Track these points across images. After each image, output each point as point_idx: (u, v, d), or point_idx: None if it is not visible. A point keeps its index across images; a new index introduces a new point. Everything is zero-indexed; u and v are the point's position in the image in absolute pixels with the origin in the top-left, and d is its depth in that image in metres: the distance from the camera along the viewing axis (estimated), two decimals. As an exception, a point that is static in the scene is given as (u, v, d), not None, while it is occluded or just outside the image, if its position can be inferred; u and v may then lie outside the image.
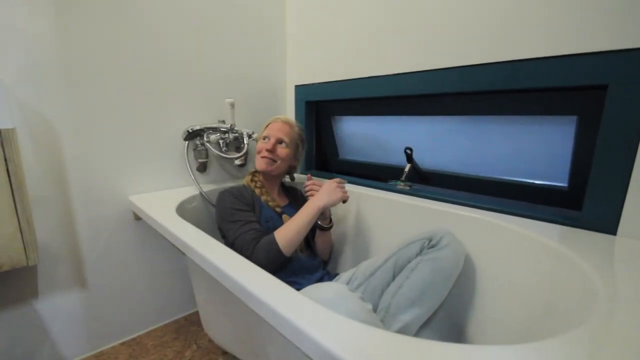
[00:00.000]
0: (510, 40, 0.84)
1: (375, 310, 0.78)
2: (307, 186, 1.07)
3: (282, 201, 1.09)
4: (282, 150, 1.02)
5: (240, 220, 0.89)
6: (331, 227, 1.07)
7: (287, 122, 1.06)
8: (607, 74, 0.71)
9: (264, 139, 1.04)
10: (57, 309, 1.01)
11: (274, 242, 0.81)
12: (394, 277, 0.82)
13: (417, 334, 0.77)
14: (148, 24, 1.07)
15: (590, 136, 0.79)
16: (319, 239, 1.09)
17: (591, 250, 0.67)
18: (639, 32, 0.67)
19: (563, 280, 0.65)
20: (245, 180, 1.08)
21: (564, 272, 0.65)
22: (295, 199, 1.15)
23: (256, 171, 1.08)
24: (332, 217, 1.07)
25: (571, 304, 0.58)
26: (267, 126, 1.07)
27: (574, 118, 0.84)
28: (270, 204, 1.01)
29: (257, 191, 1.02)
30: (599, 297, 0.51)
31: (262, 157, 1.02)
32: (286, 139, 1.03)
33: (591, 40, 0.72)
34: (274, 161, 1.01)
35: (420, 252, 0.82)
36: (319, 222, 1.07)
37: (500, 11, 0.85)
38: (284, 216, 1.00)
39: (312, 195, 1.07)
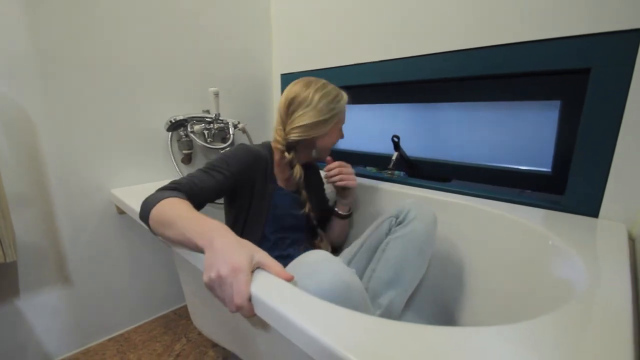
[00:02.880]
0: (494, 25, 0.83)
1: None
2: (331, 170, 0.88)
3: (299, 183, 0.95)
4: None
5: (209, 170, 0.73)
6: (350, 215, 0.99)
7: None
8: (590, 57, 0.71)
9: (339, 128, 0.89)
10: (40, 306, 0.98)
11: (148, 205, 0.61)
12: (369, 262, 0.80)
13: (402, 317, 0.77)
14: (128, 12, 1.03)
15: (573, 121, 0.80)
16: (336, 226, 0.99)
17: (574, 232, 0.68)
18: (620, 14, 0.67)
19: (546, 262, 0.66)
20: (295, 175, 0.83)
21: (547, 254, 0.66)
22: (308, 177, 0.93)
23: (294, 145, 0.83)
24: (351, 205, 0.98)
25: (554, 285, 0.59)
26: (338, 107, 0.84)
27: (558, 103, 0.84)
28: (287, 188, 0.86)
29: (278, 169, 0.85)
30: (581, 278, 0.52)
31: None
32: None
33: (574, 23, 0.73)
34: None
35: (389, 231, 0.79)
36: (337, 210, 0.98)
37: (486, -5, 0.84)
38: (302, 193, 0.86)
39: (341, 182, 0.88)
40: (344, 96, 0.86)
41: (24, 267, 0.94)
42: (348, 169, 0.90)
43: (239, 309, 0.46)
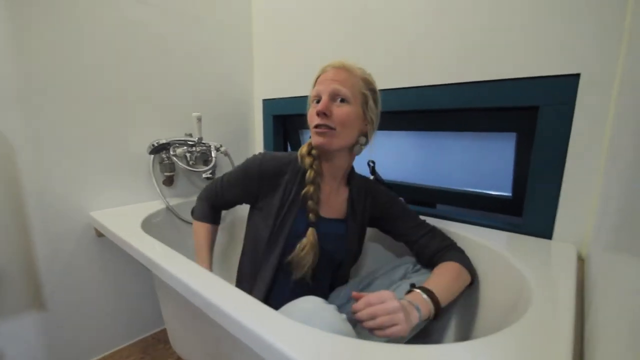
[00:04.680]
0: (459, 66, 0.92)
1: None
2: (357, 310, 0.56)
3: (337, 207, 0.80)
4: (341, 110, 0.69)
5: (224, 186, 0.84)
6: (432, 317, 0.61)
7: (341, 67, 0.71)
8: (537, 96, 0.80)
9: (315, 101, 0.73)
10: (13, 334, 0.95)
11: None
12: None
13: None
14: (110, 38, 1.06)
15: (527, 150, 0.88)
16: None
17: (530, 254, 0.74)
18: (562, 60, 0.77)
19: (506, 284, 0.71)
20: (302, 151, 0.76)
21: (506, 276, 0.71)
22: (362, 205, 0.82)
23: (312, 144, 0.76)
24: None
25: (511, 306, 0.65)
26: (316, 81, 0.74)
27: (514, 134, 0.93)
28: (310, 204, 0.73)
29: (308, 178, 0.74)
30: (533, 299, 0.57)
31: (316, 127, 0.70)
32: (344, 90, 0.69)
33: (524, 67, 0.82)
34: (331, 129, 0.69)
35: (404, 276, 0.76)
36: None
37: (450, 41, 0.93)
38: (310, 230, 0.74)
39: (381, 332, 0.54)
40: (324, 66, 0.74)
41: (-4, 293, 0.92)
42: (386, 304, 0.54)
43: None
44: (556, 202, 0.81)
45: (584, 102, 0.75)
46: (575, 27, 0.75)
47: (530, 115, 0.83)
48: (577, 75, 0.75)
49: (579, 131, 0.77)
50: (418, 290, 0.61)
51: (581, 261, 0.78)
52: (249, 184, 0.78)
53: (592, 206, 0.78)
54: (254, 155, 0.79)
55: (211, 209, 0.90)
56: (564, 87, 0.77)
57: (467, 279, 0.71)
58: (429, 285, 0.63)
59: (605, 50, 0.72)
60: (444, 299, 0.62)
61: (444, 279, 0.67)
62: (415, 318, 0.56)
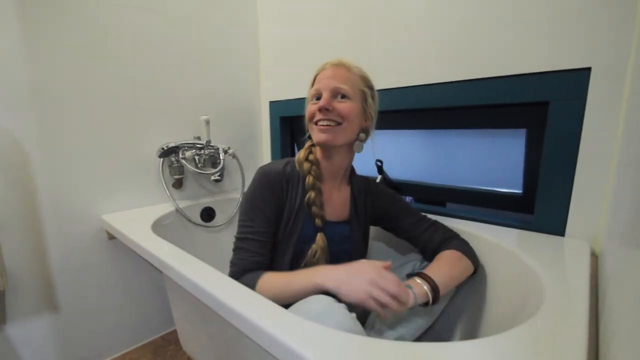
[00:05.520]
0: (467, 62, 0.91)
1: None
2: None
3: (340, 208, 0.81)
4: (343, 105, 0.70)
5: (249, 227, 0.70)
6: (429, 303, 0.63)
7: (340, 65, 0.73)
8: (547, 92, 0.79)
9: (315, 98, 0.73)
10: (27, 334, 0.97)
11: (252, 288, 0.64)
12: None
13: None
14: (120, 45, 1.08)
15: (537, 147, 0.87)
16: None
17: (542, 251, 0.73)
18: (573, 54, 0.76)
19: (518, 282, 0.70)
20: (299, 157, 0.77)
21: (519, 274, 0.70)
22: (363, 204, 0.83)
23: (314, 144, 0.77)
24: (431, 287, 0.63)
25: (523, 304, 0.64)
26: (314, 79, 0.76)
27: (524, 131, 0.92)
28: (314, 209, 0.73)
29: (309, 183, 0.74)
30: (546, 296, 0.55)
31: (318, 122, 0.71)
32: (345, 87, 0.70)
33: (534, 62, 0.81)
34: (337, 123, 0.71)
35: (412, 273, 0.75)
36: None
37: (459, 37, 0.92)
38: (319, 235, 0.74)
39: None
40: (323, 64, 0.76)
41: (12, 295, 0.93)
42: (386, 280, 0.57)
43: (399, 294, 0.55)
44: (568, 199, 0.80)
45: (595, 97, 0.74)
46: (585, 21, 0.74)
47: (541, 111, 0.82)
48: (588, 70, 0.74)
49: (590, 126, 0.76)
50: (414, 277, 0.65)
51: (594, 257, 0.76)
52: (266, 193, 0.72)
53: (605, 202, 0.76)
54: (263, 175, 0.75)
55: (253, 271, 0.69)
56: (575, 82, 0.75)
57: (468, 266, 0.72)
58: (426, 271, 0.66)
59: (616, 43, 0.71)
60: (441, 281, 0.64)
61: (442, 264, 0.70)
62: (410, 297, 0.60)
